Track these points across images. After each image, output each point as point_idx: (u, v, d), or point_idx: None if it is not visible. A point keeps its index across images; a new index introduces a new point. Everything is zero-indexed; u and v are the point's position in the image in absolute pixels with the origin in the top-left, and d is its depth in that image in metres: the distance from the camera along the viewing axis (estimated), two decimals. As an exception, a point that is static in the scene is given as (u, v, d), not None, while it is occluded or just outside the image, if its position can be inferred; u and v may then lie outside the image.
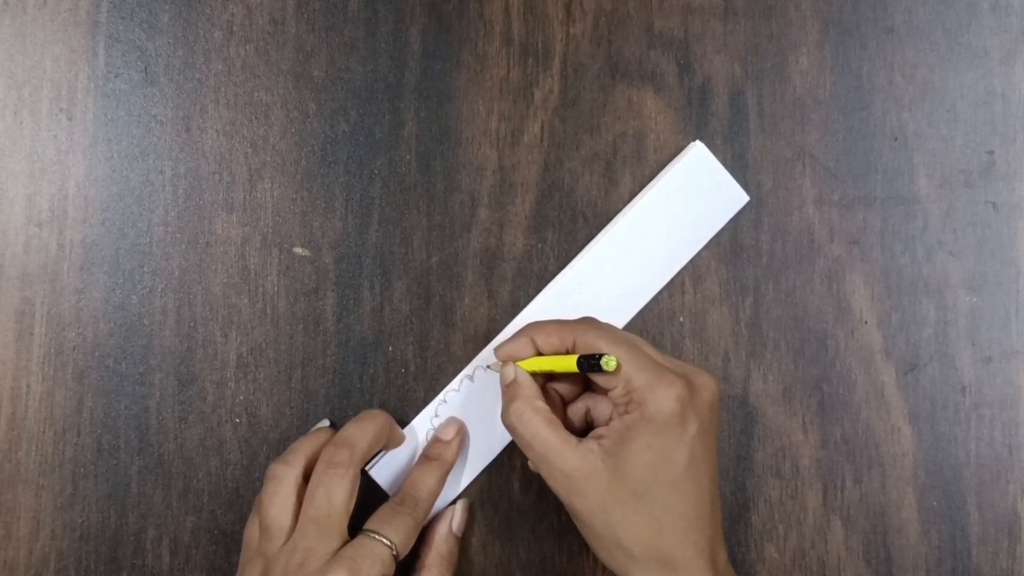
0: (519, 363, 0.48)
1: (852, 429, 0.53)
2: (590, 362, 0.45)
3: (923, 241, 0.54)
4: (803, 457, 0.53)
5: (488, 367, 0.52)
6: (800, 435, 0.53)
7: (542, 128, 0.54)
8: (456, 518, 0.51)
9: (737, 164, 0.54)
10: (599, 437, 0.45)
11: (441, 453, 0.51)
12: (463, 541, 0.52)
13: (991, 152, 0.55)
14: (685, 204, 0.53)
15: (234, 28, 0.53)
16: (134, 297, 0.52)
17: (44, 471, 0.51)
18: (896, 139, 0.55)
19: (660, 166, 0.54)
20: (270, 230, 0.53)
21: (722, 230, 0.54)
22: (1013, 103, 0.55)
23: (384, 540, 0.46)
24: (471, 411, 0.52)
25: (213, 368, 0.52)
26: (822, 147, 0.54)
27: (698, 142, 0.53)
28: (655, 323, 0.53)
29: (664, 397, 0.45)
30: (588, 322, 0.48)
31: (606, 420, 0.48)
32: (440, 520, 0.51)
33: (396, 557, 0.46)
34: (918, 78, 0.55)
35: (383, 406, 0.52)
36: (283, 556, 0.45)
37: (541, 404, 0.46)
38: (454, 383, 0.52)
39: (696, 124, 0.54)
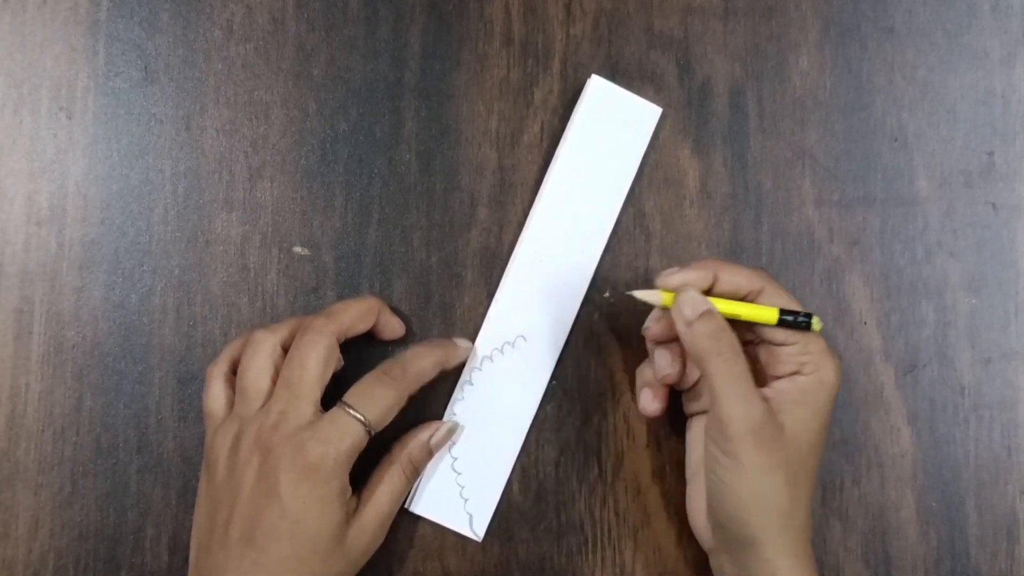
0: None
1: (851, 429, 0.53)
2: (797, 318, 0.45)
3: (923, 242, 0.54)
4: (802, 457, 0.53)
5: (631, 293, 0.47)
6: (799, 435, 0.53)
7: (542, 128, 0.54)
8: (438, 433, 0.50)
9: (737, 164, 0.54)
10: (763, 398, 0.44)
11: (447, 344, 0.50)
12: (461, 540, 0.52)
13: (991, 153, 0.55)
14: (604, 138, 0.53)
15: (234, 27, 0.53)
16: (133, 296, 0.52)
17: (43, 470, 0.51)
18: (896, 140, 0.55)
19: (660, 168, 0.54)
20: (270, 229, 0.53)
21: (722, 230, 0.54)
22: (1013, 104, 0.55)
23: (358, 416, 0.46)
24: (478, 412, 0.52)
25: (212, 367, 0.52)
26: (822, 147, 0.54)
27: (593, 76, 0.53)
28: (654, 323, 0.53)
29: (835, 368, 0.45)
30: (766, 273, 0.47)
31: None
32: (424, 428, 0.50)
33: (370, 432, 0.46)
34: (918, 79, 0.55)
35: (382, 405, 0.52)
36: (257, 418, 0.45)
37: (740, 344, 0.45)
38: (466, 373, 0.52)
39: (696, 124, 0.54)
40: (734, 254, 0.54)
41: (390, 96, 0.54)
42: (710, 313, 0.45)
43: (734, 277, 0.46)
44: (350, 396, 0.47)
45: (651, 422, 0.53)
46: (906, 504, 0.53)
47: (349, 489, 0.46)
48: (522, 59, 0.54)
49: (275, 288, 0.53)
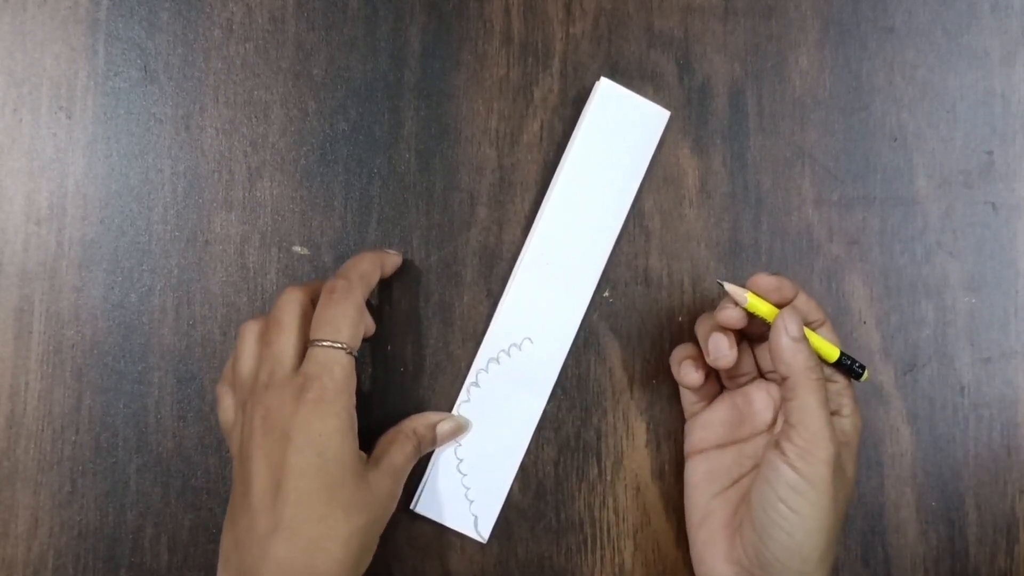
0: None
1: (851, 429, 0.53)
2: (853, 364, 0.47)
3: (922, 241, 0.54)
4: (801, 457, 0.53)
5: (721, 282, 0.47)
6: (799, 435, 0.53)
7: (542, 127, 0.54)
8: (446, 421, 0.51)
9: (737, 164, 0.54)
10: None
11: (378, 252, 0.51)
12: (461, 539, 0.52)
13: (990, 153, 0.55)
14: (612, 141, 0.53)
15: (234, 26, 0.53)
16: (133, 295, 0.52)
17: (43, 469, 0.51)
18: (895, 139, 0.55)
19: (660, 167, 0.54)
20: (269, 229, 0.53)
21: (722, 230, 0.54)
22: (1013, 104, 0.55)
23: (332, 344, 0.45)
24: (484, 414, 0.52)
25: (212, 366, 0.52)
26: (822, 147, 0.54)
27: (603, 79, 0.52)
28: (654, 323, 0.53)
29: (860, 417, 0.48)
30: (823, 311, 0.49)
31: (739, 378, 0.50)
32: (434, 412, 0.51)
33: (351, 353, 0.46)
34: (918, 78, 0.55)
35: (382, 404, 0.52)
36: (252, 390, 0.45)
37: None
38: (472, 375, 0.52)
39: (696, 124, 0.54)
40: (734, 254, 0.54)
41: (390, 95, 0.54)
42: (800, 339, 0.45)
43: (808, 304, 0.47)
44: (314, 331, 0.46)
45: (650, 422, 0.53)
46: (905, 503, 0.53)
47: (356, 425, 0.46)
48: (522, 58, 0.54)
49: (274, 288, 0.53)
